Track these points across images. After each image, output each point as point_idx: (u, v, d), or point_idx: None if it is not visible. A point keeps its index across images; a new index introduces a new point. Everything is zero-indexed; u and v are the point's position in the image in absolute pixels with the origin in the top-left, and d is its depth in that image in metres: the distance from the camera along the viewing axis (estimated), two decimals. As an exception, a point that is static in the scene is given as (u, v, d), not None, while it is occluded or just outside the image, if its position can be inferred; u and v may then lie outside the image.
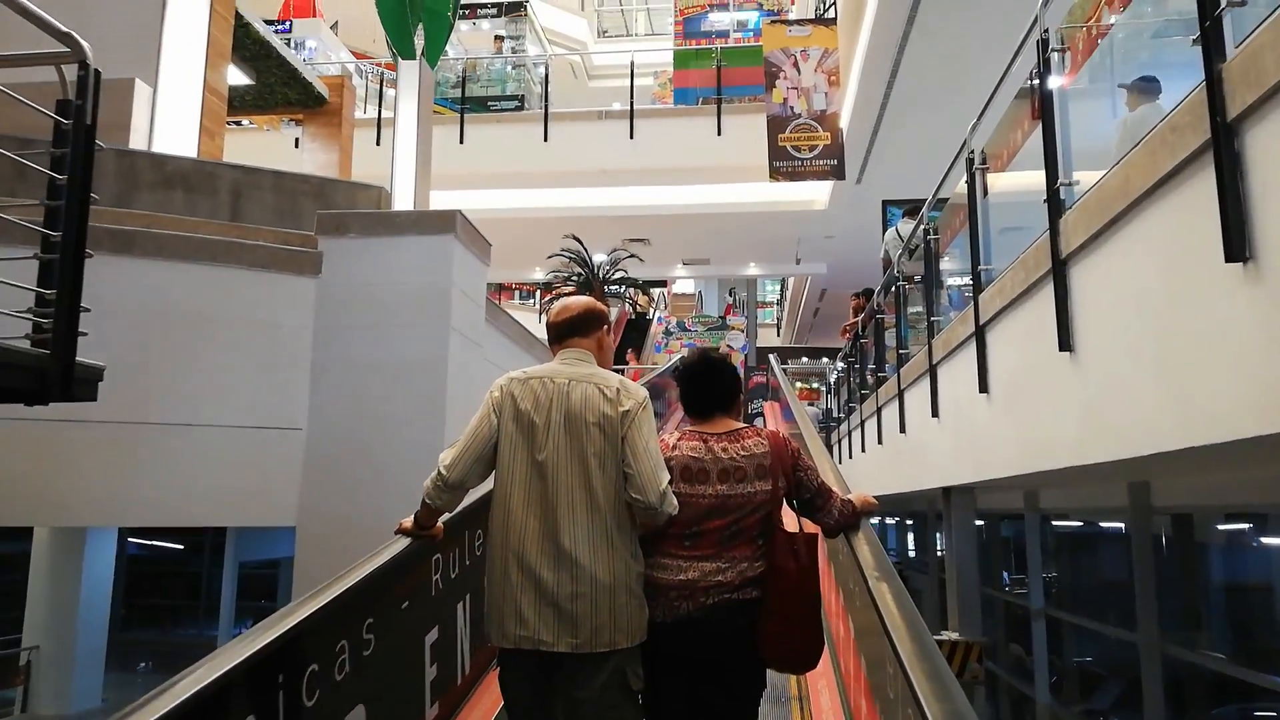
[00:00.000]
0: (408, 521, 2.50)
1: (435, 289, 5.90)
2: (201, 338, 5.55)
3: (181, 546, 15.65)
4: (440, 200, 10.01)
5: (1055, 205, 3.46)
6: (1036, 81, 3.75)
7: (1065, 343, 3.38)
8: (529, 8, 18.44)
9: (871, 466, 8.64)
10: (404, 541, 2.53)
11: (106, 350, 5.11)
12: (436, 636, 2.80)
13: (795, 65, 12.01)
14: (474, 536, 3.16)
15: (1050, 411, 3.68)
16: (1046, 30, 3.63)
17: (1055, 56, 3.62)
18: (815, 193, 13.62)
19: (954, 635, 5.74)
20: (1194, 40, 2.38)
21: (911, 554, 14.14)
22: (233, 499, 5.61)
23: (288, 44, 13.04)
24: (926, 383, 5.79)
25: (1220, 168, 2.25)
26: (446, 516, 2.53)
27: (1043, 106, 3.63)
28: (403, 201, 7.91)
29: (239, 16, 8.22)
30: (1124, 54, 3.80)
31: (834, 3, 12.95)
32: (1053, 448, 3.70)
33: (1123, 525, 6.28)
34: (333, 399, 5.74)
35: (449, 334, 5.84)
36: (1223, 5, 2.28)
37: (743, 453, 2.38)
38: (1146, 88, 3.88)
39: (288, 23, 14.68)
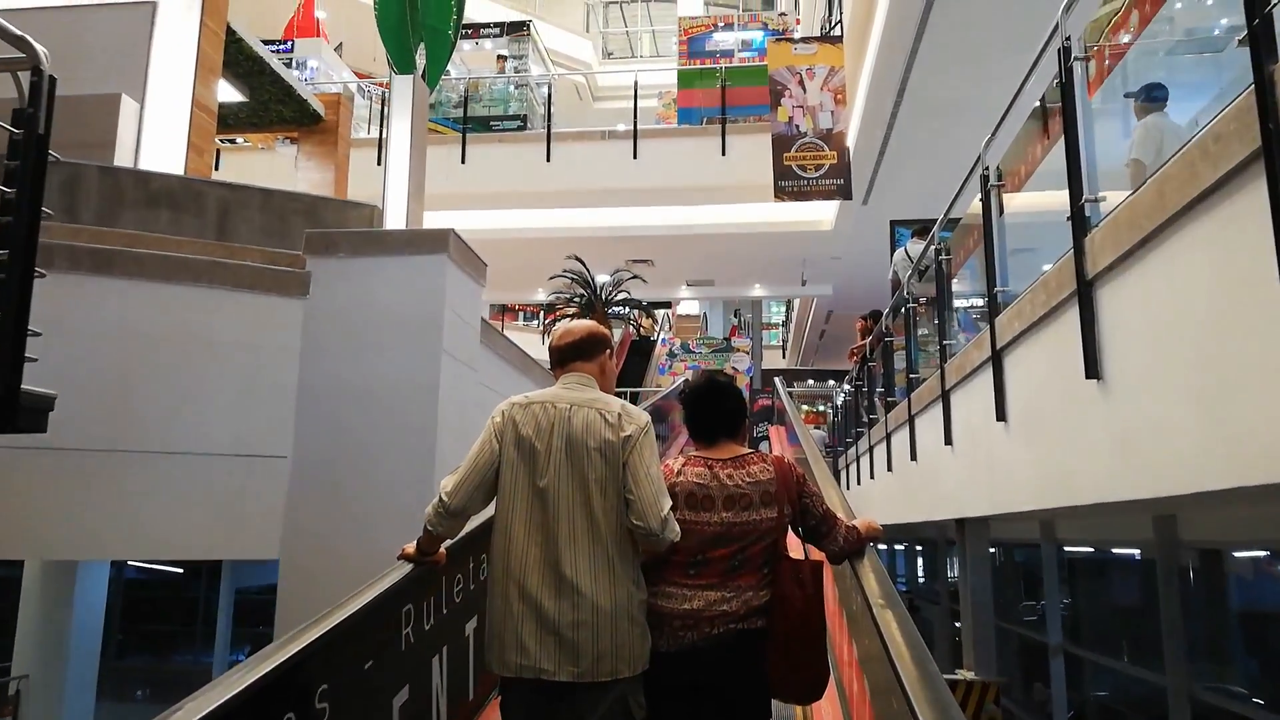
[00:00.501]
0: (410, 547, 2.49)
1: (427, 310, 5.69)
2: (182, 361, 5.33)
3: (180, 571, 15.46)
4: (441, 220, 9.81)
5: (1080, 223, 3.26)
6: (1057, 92, 3.55)
7: (1092, 369, 3.16)
8: (532, 28, 18.40)
9: (881, 494, 8.38)
10: (380, 586, 2.39)
11: (81, 375, 4.93)
12: (407, 698, 2.55)
13: (800, 83, 11.85)
14: (452, 582, 2.91)
15: (1075, 443, 3.44)
16: (1068, 38, 3.43)
17: (1078, 66, 3.42)
18: (821, 213, 13.47)
19: (969, 675, 5.47)
20: (1240, 41, 2.17)
21: (921, 580, 13.81)
22: (213, 531, 5.36)
23: (289, 64, 12.97)
24: (939, 409, 5.56)
25: (1273, 178, 2.03)
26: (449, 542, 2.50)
27: (1065, 118, 3.42)
28: (395, 220, 7.72)
29: (231, 32, 8.08)
30: (1153, 62, 3.61)
31: (840, 20, 12.81)
32: (1077, 482, 3.46)
33: (1137, 553, 6.02)
34: (319, 425, 5.51)
35: (441, 357, 5.62)
36: (1273, 2, 2.07)
37: (748, 479, 2.35)
38: (1151, 105, 3.74)
39: (289, 42, 14.62)
